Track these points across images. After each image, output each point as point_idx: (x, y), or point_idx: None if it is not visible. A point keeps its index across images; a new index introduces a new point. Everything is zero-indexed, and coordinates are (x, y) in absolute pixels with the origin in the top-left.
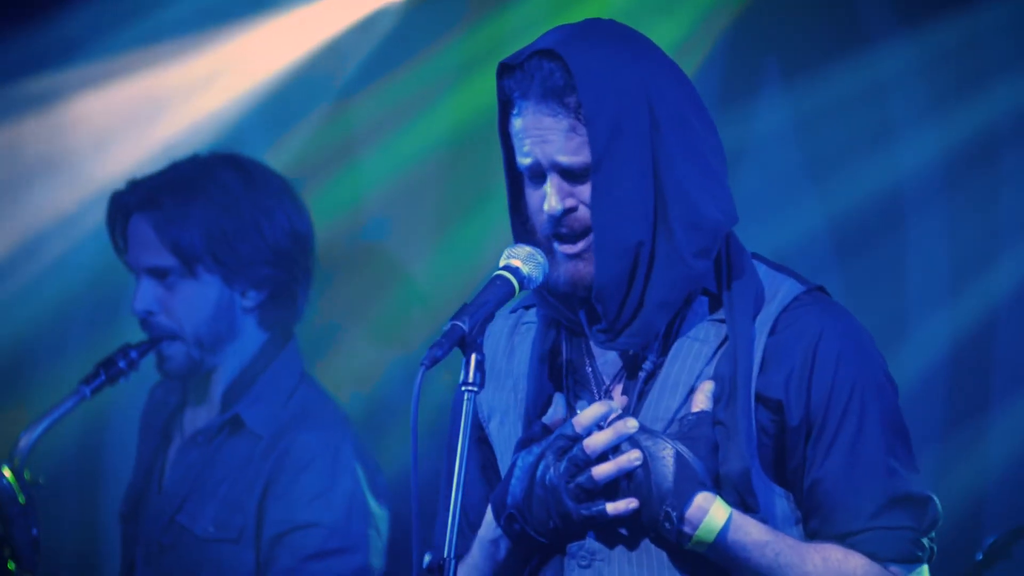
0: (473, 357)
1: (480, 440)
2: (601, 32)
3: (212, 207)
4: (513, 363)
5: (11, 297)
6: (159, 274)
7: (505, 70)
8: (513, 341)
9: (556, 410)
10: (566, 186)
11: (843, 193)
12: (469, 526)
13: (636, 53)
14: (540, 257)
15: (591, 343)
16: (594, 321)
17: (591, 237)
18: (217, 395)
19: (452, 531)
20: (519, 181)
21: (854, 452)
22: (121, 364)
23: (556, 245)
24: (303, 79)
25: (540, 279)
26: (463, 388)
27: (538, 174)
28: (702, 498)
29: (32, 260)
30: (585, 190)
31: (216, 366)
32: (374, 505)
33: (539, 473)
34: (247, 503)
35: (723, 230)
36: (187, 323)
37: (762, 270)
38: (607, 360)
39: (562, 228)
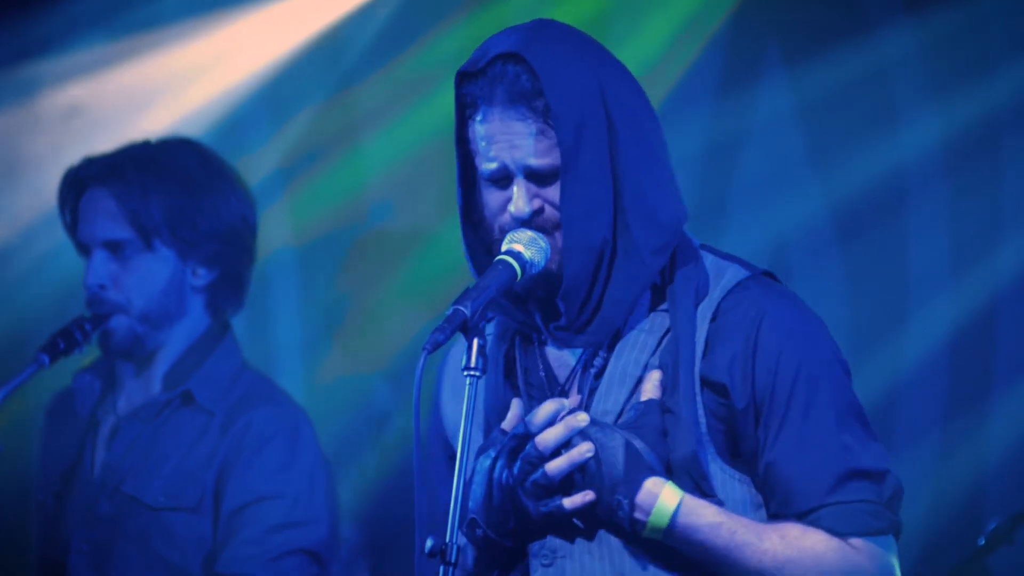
0: (475, 342)
1: (451, 458)
2: (556, 33)
3: (172, 182)
4: (485, 386)
5: (10, 284)
6: (115, 247)
7: (465, 77)
8: None
9: (512, 416)
10: (532, 188)
11: (845, 178)
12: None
13: (589, 54)
14: (542, 242)
15: (544, 347)
16: (551, 320)
17: (556, 233)
18: (159, 375)
19: (454, 514)
20: (472, 186)
21: (804, 430)
22: (78, 335)
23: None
24: (305, 65)
25: (542, 263)
26: (465, 373)
27: (503, 178)
28: (652, 483)
29: (30, 247)
30: (550, 191)
31: (160, 346)
32: (329, 484)
33: (495, 475)
34: (203, 475)
35: (678, 227)
36: (136, 297)
37: (709, 260)
38: (561, 362)
39: (526, 230)
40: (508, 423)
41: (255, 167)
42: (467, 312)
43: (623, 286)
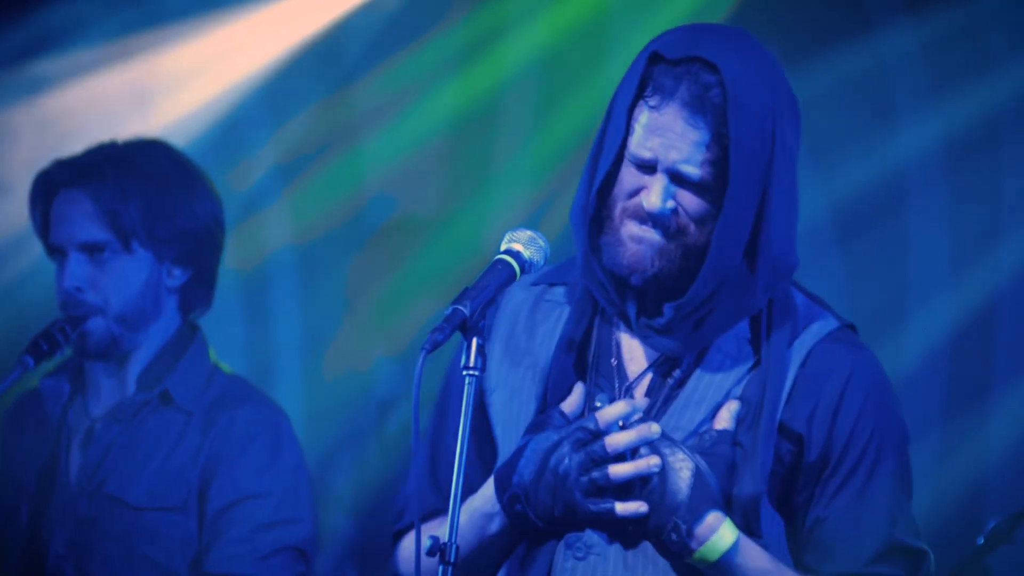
0: (474, 341)
1: (477, 407)
2: (752, 51)
3: (147, 182)
4: (534, 342)
5: (10, 281)
6: (92, 249)
7: (656, 59)
8: (535, 318)
9: (576, 399)
10: (672, 188)
11: (844, 177)
12: (438, 487)
13: (776, 83)
14: (541, 241)
15: (621, 337)
16: (643, 314)
17: (679, 239)
18: (132, 375)
19: (454, 514)
20: (617, 161)
21: (863, 496)
22: (58, 337)
23: (631, 223)
24: (304, 65)
25: (541, 263)
26: (464, 372)
27: (648, 169)
28: (713, 517)
29: (30, 245)
30: (686, 197)
31: (135, 347)
32: (310, 480)
33: (553, 460)
34: (187, 475)
35: (793, 268)
36: (114, 299)
37: (799, 299)
38: (633, 357)
39: (649, 223)
40: (567, 406)
41: (255, 167)
42: (466, 311)
43: (730, 313)
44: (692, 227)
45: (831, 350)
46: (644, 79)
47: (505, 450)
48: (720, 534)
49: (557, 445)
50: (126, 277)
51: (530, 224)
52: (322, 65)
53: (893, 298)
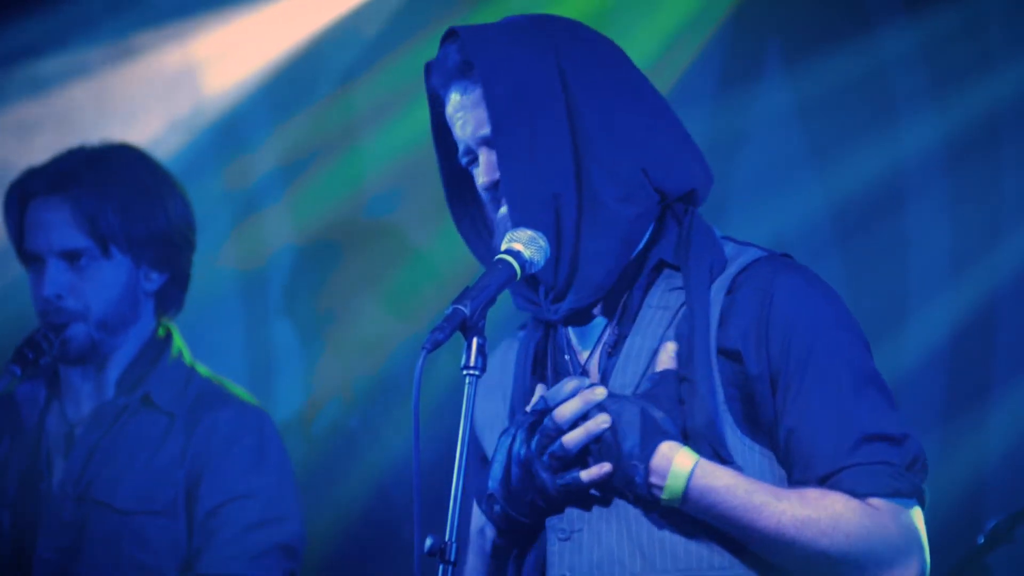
0: (475, 341)
1: (481, 459)
2: (500, 16)
3: (124, 186)
4: (506, 376)
5: (12, 282)
6: (71, 256)
7: (428, 71)
8: (507, 357)
9: (535, 400)
10: (492, 158)
11: (844, 177)
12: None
13: (543, 26)
14: (541, 241)
15: (568, 334)
16: (547, 291)
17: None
18: (111, 380)
19: (454, 514)
20: (464, 183)
21: (822, 396)
22: (43, 344)
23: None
24: (305, 63)
25: (542, 263)
26: (464, 372)
27: (472, 157)
28: (666, 447)
29: None
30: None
31: (113, 351)
32: (294, 478)
33: (514, 451)
34: (173, 477)
35: (641, 174)
36: (94, 305)
37: (729, 246)
38: (584, 345)
39: (500, 202)
40: (531, 406)
41: (255, 167)
42: (466, 311)
43: (594, 238)
44: None
45: (754, 271)
46: (431, 95)
47: None
48: (677, 462)
49: (514, 437)
50: (106, 282)
51: None
52: (322, 65)
53: (893, 298)
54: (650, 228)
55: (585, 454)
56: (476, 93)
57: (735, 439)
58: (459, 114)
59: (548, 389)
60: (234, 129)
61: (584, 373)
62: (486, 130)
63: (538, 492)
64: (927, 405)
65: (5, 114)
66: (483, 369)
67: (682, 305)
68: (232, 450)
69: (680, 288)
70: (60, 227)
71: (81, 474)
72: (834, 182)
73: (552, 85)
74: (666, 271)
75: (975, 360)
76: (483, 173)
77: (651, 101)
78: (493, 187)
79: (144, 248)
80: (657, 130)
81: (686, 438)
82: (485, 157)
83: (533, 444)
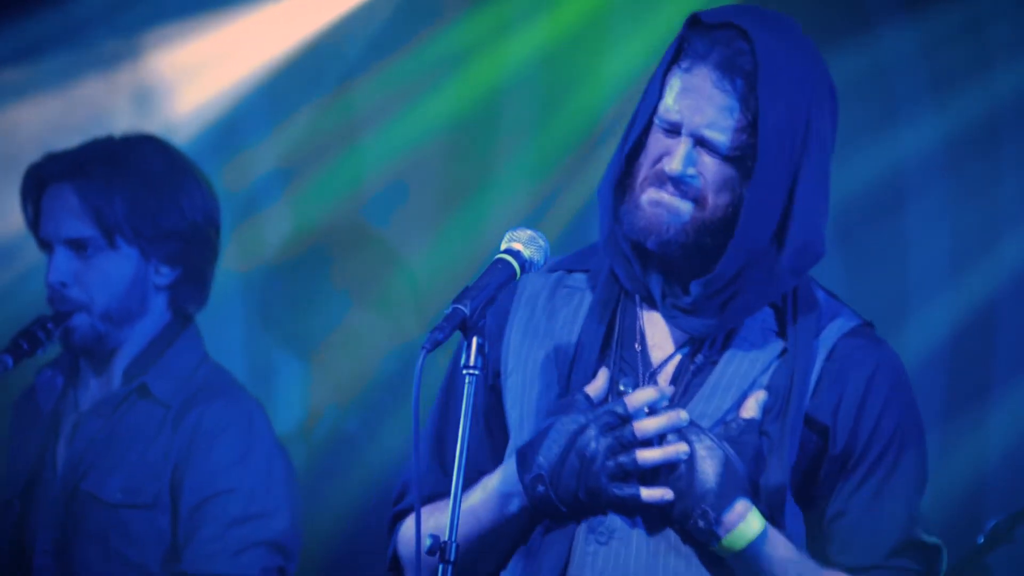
0: (474, 340)
1: (490, 388)
2: (788, 26)
3: (136, 179)
4: (555, 325)
5: (12, 280)
6: (77, 245)
7: (695, 24)
8: (554, 303)
9: (599, 383)
10: (694, 154)
11: (844, 177)
12: (444, 469)
13: (812, 66)
14: (541, 240)
15: (645, 322)
16: (668, 294)
17: (695, 208)
18: (118, 370)
19: (454, 514)
20: (647, 126)
21: (883, 492)
22: (40, 335)
23: (650, 189)
24: (304, 63)
25: (541, 262)
26: (464, 372)
27: (674, 132)
28: (742, 505)
29: (30, 244)
30: (709, 164)
31: (121, 343)
32: (287, 473)
33: (579, 443)
34: (161, 470)
35: (821, 257)
36: (98, 295)
37: (820, 294)
38: (657, 343)
39: (676, 189)
40: (592, 389)
41: (255, 166)
42: (466, 311)
43: (756, 295)
44: (711, 197)
45: (855, 345)
46: (681, 44)
47: (519, 433)
48: (748, 522)
49: (584, 428)
50: (111, 274)
51: (530, 223)
52: (322, 65)
53: (893, 298)
54: None
55: (652, 472)
56: (732, 102)
57: (789, 503)
58: (698, 100)
59: (610, 375)
60: (234, 129)
61: (653, 377)
62: (712, 136)
63: (589, 491)
64: (927, 405)
65: (5, 112)
66: (483, 369)
67: (782, 352)
68: (215, 444)
69: (777, 333)
70: (68, 215)
71: (77, 465)
72: (834, 181)
73: (798, 135)
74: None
75: (975, 360)
76: (681, 160)
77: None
78: (684, 178)
79: (153, 242)
80: (828, 200)
81: (754, 494)
82: (690, 149)
83: (604, 445)
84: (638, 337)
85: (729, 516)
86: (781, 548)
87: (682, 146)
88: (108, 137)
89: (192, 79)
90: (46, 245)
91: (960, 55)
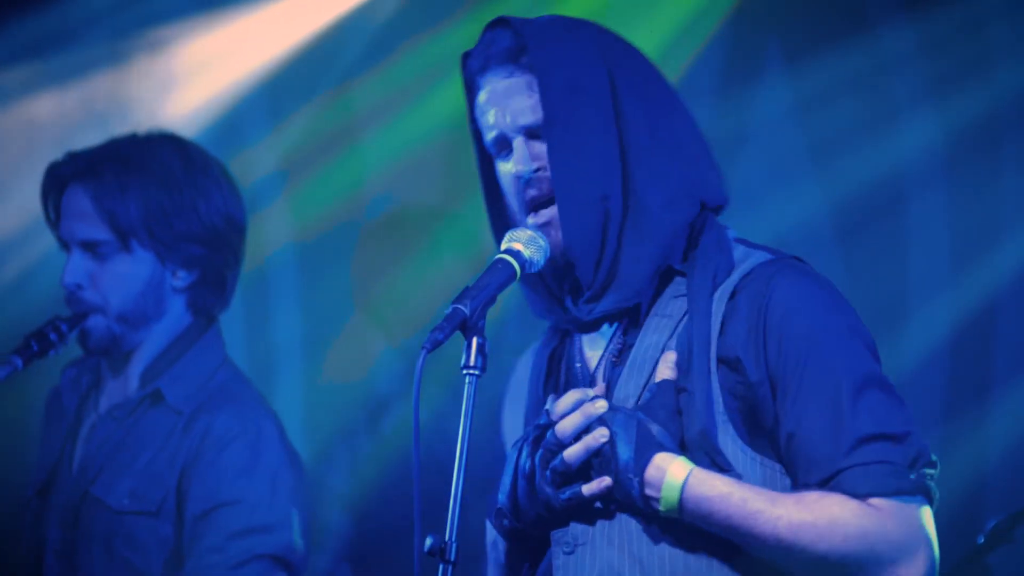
0: (475, 340)
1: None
2: (551, 12)
3: (151, 182)
4: (525, 389)
5: (13, 280)
6: (92, 247)
7: (465, 58)
8: (535, 363)
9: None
10: (532, 147)
11: (844, 177)
12: None
13: (590, 28)
14: (542, 240)
15: (581, 343)
16: (579, 297)
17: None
18: (136, 373)
19: (454, 514)
20: (490, 168)
21: (818, 399)
22: (52, 336)
23: (529, 220)
24: (304, 62)
25: (542, 262)
26: (464, 372)
27: (505, 146)
28: (660, 458)
29: (32, 244)
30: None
31: (138, 345)
32: (297, 484)
33: (520, 465)
34: (168, 478)
35: (689, 185)
36: (113, 298)
37: (739, 250)
38: (592, 354)
39: (532, 190)
40: (542, 417)
41: (254, 166)
42: (466, 311)
43: (637, 242)
44: None
45: (757, 276)
46: (467, 84)
47: None
48: (671, 472)
49: (520, 450)
50: (126, 277)
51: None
52: (322, 65)
53: (893, 297)
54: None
55: (588, 468)
56: (520, 80)
57: (735, 449)
58: (497, 101)
59: (555, 399)
60: (234, 129)
61: (592, 382)
62: (528, 119)
63: (543, 506)
64: (927, 405)
65: (7, 112)
66: (483, 369)
67: (685, 313)
68: (222, 454)
69: (684, 296)
70: (82, 217)
71: (89, 467)
72: (834, 181)
73: (602, 84)
74: (676, 278)
75: (975, 360)
76: (519, 161)
77: (686, 115)
78: (531, 176)
79: (170, 246)
80: (695, 142)
81: (684, 449)
82: (522, 146)
83: (537, 458)
84: (577, 356)
85: (649, 472)
86: (718, 483)
87: (517, 149)
88: (129, 135)
89: (192, 79)
90: (64, 245)
91: (960, 55)
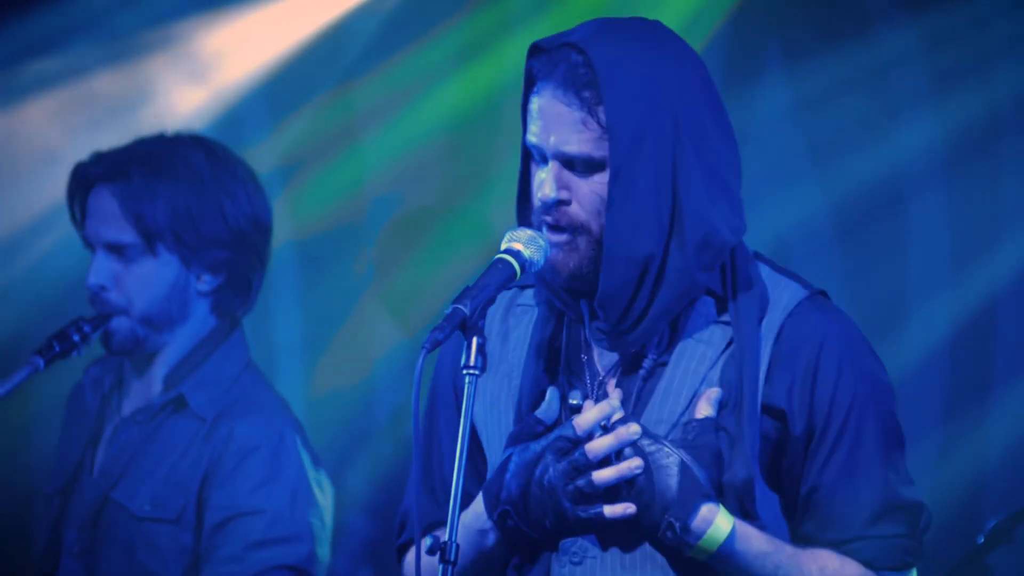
0: (475, 340)
1: (474, 434)
2: (634, 33)
3: (178, 184)
4: (508, 348)
5: (14, 279)
6: (118, 249)
7: (534, 51)
8: (508, 324)
9: (550, 404)
10: (564, 177)
11: (844, 177)
12: (435, 499)
13: (667, 59)
14: (542, 240)
15: (588, 331)
16: (595, 317)
17: (579, 235)
18: (159, 376)
19: (454, 514)
20: (530, 160)
21: (852, 461)
22: (75, 337)
23: (545, 230)
24: (305, 62)
25: (542, 262)
26: (464, 371)
27: (541, 157)
28: (707, 510)
29: (34, 242)
30: (583, 186)
31: (162, 347)
32: (318, 495)
33: (537, 472)
34: (189, 486)
35: (729, 246)
36: (137, 300)
37: (765, 272)
38: (604, 351)
39: (549, 218)
40: (543, 412)
41: (255, 165)
42: (466, 311)
43: (669, 301)
44: (592, 220)
45: (803, 320)
46: (529, 73)
47: (491, 459)
48: (716, 525)
49: (540, 457)
50: (150, 279)
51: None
52: (322, 65)
53: (893, 297)
54: None
55: (613, 490)
56: (577, 115)
57: (760, 491)
58: (548, 121)
59: (558, 394)
60: (234, 128)
61: (602, 386)
62: (572, 150)
63: (557, 517)
64: (927, 405)
65: (7, 112)
66: (483, 368)
67: (728, 344)
68: (243, 463)
69: (725, 323)
70: (109, 219)
71: (111, 471)
72: (834, 181)
73: (666, 134)
74: (704, 297)
75: (975, 360)
76: (548, 186)
77: (734, 152)
78: (555, 203)
79: (196, 250)
80: (738, 191)
81: (718, 491)
82: (555, 172)
83: (560, 471)
84: (583, 347)
85: (696, 522)
86: (755, 542)
87: (550, 171)
88: (156, 136)
89: (192, 78)
90: (89, 246)
91: (960, 54)
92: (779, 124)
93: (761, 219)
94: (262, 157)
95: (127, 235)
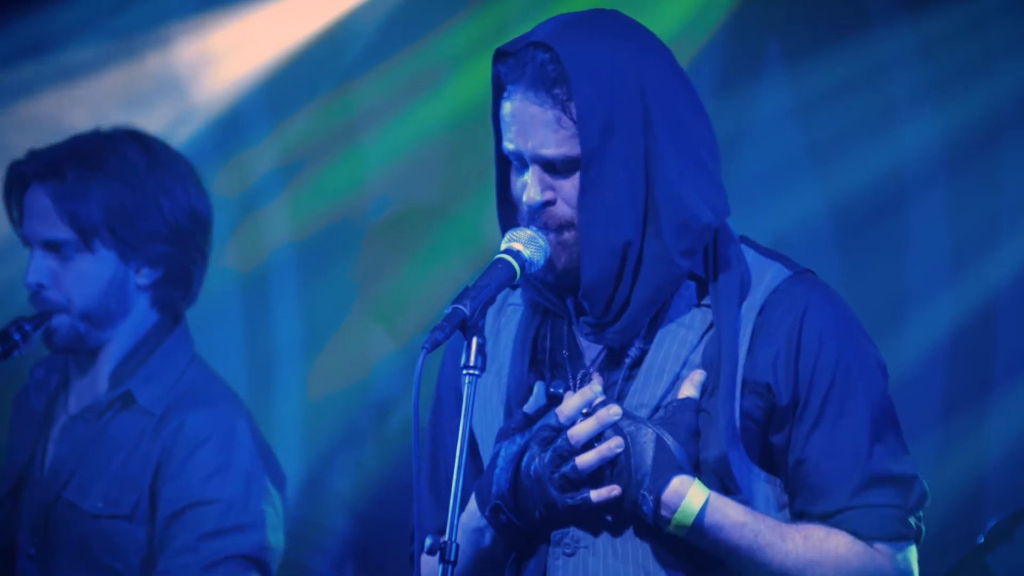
0: (474, 340)
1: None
2: (596, 24)
3: (113, 181)
4: (499, 347)
5: (14, 279)
6: (54, 247)
7: (500, 56)
8: (499, 323)
9: (537, 398)
10: (547, 178)
11: (844, 176)
12: (441, 505)
13: (631, 46)
14: (541, 240)
15: (572, 325)
16: (581, 312)
17: (567, 231)
18: (105, 373)
19: (454, 514)
20: (507, 166)
21: (837, 431)
22: (16, 337)
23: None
24: (305, 62)
25: (542, 262)
26: (464, 372)
27: (521, 161)
28: (678, 482)
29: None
30: (565, 184)
31: (105, 343)
32: (270, 483)
33: (524, 464)
34: (141, 480)
35: (711, 229)
36: (76, 297)
37: (750, 255)
38: (589, 344)
39: (537, 220)
40: (530, 406)
41: (254, 166)
42: (466, 311)
43: (651, 288)
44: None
45: (784, 295)
46: (497, 78)
47: (486, 458)
48: (689, 498)
49: (525, 448)
50: (88, 276)
51: None
52: (322, 65)
53: (893, 296)
54: None
55: (598, 474)
56: (551, 113)
57: (744, 469)
58: (523, 124)
59: (543, 388)
60: (233, 128)
61: (586, 375)
62: (551, 152)
63: (546, 507)
64: (927, 405)
65: (7, 112)
66: (483, 368)
67: (710, 327)
68: (195, 454)
69: (706, 306)
70: (44, 217)
71: (61, 470)
72: (834, 181)
73: (637, 120)
74: (687, 281)
75: (975, 360)
76: (531, 190)
77: (708, 133)
78: (541, 206)
79: (133, 245)
80: (712, 161)
81: (697, 470)
82: (536, 176)
83: (546, 460)
84: (565, 342)
85: (667, 494)
86: (732, 513)
87: (531, 175)
88: (92, 132)
89: (192, 78)
90: (26, 244)
91: (960, 55)
92: (779, 124)
93: (761, 219)
94: (262, 157)
95: (62, 232)
